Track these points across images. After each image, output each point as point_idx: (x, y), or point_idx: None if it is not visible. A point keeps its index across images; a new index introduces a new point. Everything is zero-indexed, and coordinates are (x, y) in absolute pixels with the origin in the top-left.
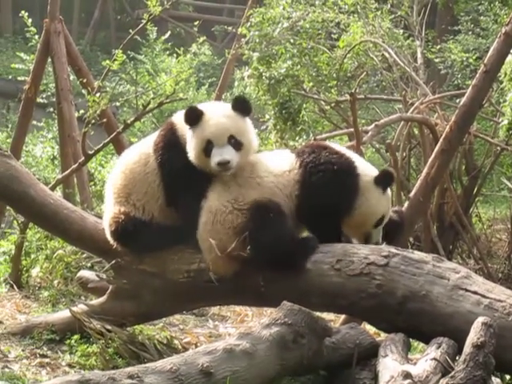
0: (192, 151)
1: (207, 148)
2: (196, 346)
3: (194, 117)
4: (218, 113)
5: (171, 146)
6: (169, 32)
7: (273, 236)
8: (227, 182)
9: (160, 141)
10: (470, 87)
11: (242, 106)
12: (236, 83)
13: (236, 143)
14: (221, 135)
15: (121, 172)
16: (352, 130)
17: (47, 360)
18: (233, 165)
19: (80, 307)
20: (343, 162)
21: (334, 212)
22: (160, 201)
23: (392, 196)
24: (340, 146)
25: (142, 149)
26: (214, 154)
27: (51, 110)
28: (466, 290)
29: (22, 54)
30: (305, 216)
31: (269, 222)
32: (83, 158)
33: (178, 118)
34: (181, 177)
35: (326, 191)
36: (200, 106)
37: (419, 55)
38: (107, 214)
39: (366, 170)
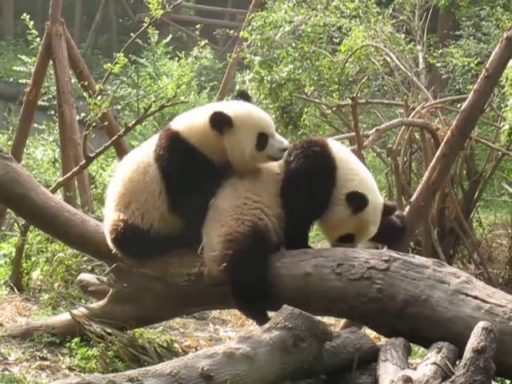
0: (240, 151)
1: (261, 141)
2: (196, 350)
3: (227, 120)
4: (250, 108)
5: (177, 154)
6: (170, 35)
7: (251, 270)
8: (235, 183)
9: (163, 150)
10: (472, 92)
11: (249, 100)
12: (237, 87)
13: None
14: (271, 125)
15: (120, 180)
16: (353, 134)
17: (47, 363)
18: None
19: (80, 310)
20: (321, 162)
21: (304, 210)
22: (161, 209)
23: (393, 200)
24: (338, 146)
25: (140, 157)
26: (272, 144)
27: (52, 112)
28: (467, 295)
29: (23, 57)
30: (284, 201)
31: (257, 254)
32: (84, 161)
33: (181, 124)
34: (188, 183)
35: (298, 189)
36: (220, 109)
37: (421, 60)
38: (107, 221)
39: (346, 179)
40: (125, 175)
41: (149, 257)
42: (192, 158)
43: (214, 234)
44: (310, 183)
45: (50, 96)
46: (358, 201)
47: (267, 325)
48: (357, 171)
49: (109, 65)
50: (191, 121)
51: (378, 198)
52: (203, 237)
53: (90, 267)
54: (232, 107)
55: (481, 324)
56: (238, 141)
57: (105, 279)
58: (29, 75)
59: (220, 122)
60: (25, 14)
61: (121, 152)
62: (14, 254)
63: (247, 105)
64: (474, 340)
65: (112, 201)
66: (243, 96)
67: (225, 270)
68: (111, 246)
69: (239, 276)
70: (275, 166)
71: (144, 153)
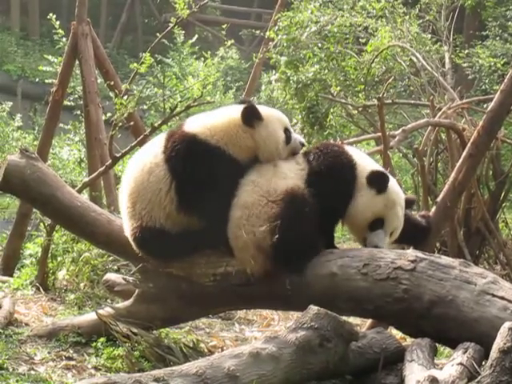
0: (273, 144)
1: (287, 136)
2: (222, 350)
3: (258, 114)
4: (267, 107)
5: (196, 155)
6: (196, 36)
7: (303, 226)
8: (254, 180)
9: (177, 152)
10: (498, 92)
11: None
12: (263, 87)
13: None
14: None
15: (127, 184)
16: (379, 134)
17: (73, 362)
18: None
19: (106, 310)
20: (340, 158)
21: (326, 206)
22: (167, 209)
23: (419, 201)
24: (353, 148)
25: (144, 158)
26: (295, 138)
27: (78, 112)
28: (493, 296)
29: (49, 57)
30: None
31: (302, 211)
32: (110, 161)
33: (197, 126)
34: (210, 183)
35: (319, 185)
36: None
37: (447, 60)
38: (126, 228)
39: (365, 170)
40: (130, 178)
41: (172, 257)
42: (216, 157)
43: (248, 230)
44: (334, 178)
45: (76, 96)
46: (379, 178)
47: (293, 325)
48: (374, 165)
49: (135, 64)
50: (210, 122)
51: (397, 185)
52: (231, 239)
53: (115, 267)
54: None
55: (507, 324)
56: (272, 132)
57: (131, 279)
58: (55, 75)
59: (252, 116)
60: (51, 14)
61: None
62: (39, 254)
63: (261, 105)
64: (500, 340)
65: (124, 206)
66: (246, 103)
67: (278, 239)
68: (136, 250)
69: (294, 236)
70: (296, 163)
71: (149, 154)
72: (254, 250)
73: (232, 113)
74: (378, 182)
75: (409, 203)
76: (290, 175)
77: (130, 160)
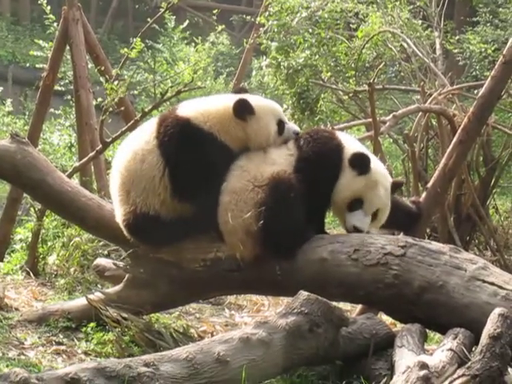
0: (266, 136)
1: (280, 127)
2: (212, 335)
3: (250, 108)
4: (262, 98)
5: (189, 139)
6: (187, 21)
7: (288, 212)
8: (243, 165)
9: (170, 136)
10: (489, 78)
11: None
12: (254, 73)
13: None
14: (283, 113)
15: (118, 172)
16: (370, 120)
17: (63, 347)
18: None
19: (97, 295)
20: (329, 143)
21: (315, 192)
22: (162, 196)
23: (409, 187)
24: (342, 133)
25: (136, 146)
26: (289, 128)
27: (69, 97)
28: (483, 281)
29: (40, 42)
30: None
31: (287, 196)
32: (100, 146)
33: (190, 111)
34: (201, 168)
35: (309, 170)
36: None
37: (438, 46)
38: (117, 214)
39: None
40: (121, 166)
41: (165, 243)
42: (208, 143)
43: (236, 215)
44: (322, 164)
45: (67, 81)
46: (360, 160)
47: (283, 310)
48: (360, 148)
49: (125, 50)
50: (204, 108)
51: (382, 166)
52: (221, 224)
53: (106, 252)
54: (247, 97)
55: (497, 310)
56: (263, 127)
57: (121, 264)
58: (45, 60)
59: (244, 110)
60: None
61: None
62: (30, 239)
63: (256, 96)
64: (491, 326)
65: (115, 193)
66: (242, 91)
67: (263, 225)
68: (127, 236)
69: (279, 221)
70: (285, 149)
71: (140, 140)
72: (243, 234)
73: (226, 102)
74: (359, 163)
75: (396, 186)
76: (279, 161)
77: (119, 147)
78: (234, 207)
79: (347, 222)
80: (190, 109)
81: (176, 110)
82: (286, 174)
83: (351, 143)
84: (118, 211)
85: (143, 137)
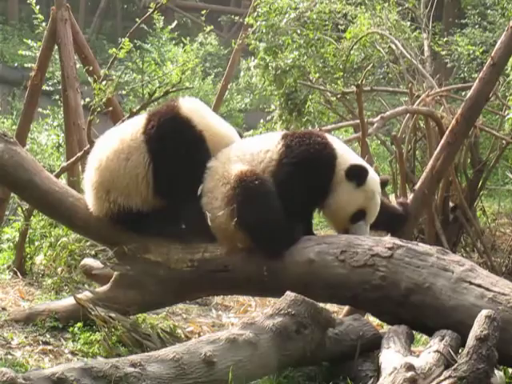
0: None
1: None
2: (199, 336)
3: None
4: None
5: (173, 133)
6: (175, 21)
7: (257, 211)
8: (212, 166)
9: (158, 129)
10: (477, 80)
11: None
12: (242, 73)
13: None
14: None
15: (95, 169)
16: (357, 121)
17: (50, 347)
18: None
19: (84, 294)
20: (322, 151)
21: (302, 195)
22: (144, 193)
23: (396, 188)
24: (335, 138)
25: (118, 145)
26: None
27: (57, 97)
28: (470, 283)
29: (28, 41)
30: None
31: (254, 193)
32: (88, 146)
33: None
34: (188, 168)
35: (297, 173)
36: None
37: (426, 48)
38: (95, 209)
39: (346, 163)
40: (101, 164)
41: (147, 233)
42: (194, 143)
43: (214, 213)
44: (311, 168)
45: (55, 81)
46: (358, 173)
47: (270, 311)
48: (354, 158)
49: (114, 50)
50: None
51: (373, 172)
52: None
53: (93, 252)
54: None
55: (484, 312)
56: None
57: (108, 264)
58: (34, 60)
59: None
60: None
61: None
62: (17, 239)
63: None
64: (477, 328)
65: (91, 190)
66: None
67: (238, 223)
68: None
69: (250, 220)
70: (271, 151)
71: (123, 138)
72: (225, 232)
73: None
74: (357, 175)
75: (382, 184)
76: (246, 158)
77: (96, 145)
78: (211, 206)
79: (353, 233)
80: (190, 109)
81: (171, 107)
82: (253, 173)
83: (344, 152)
84: (97, 207)
85: (127, 134)
